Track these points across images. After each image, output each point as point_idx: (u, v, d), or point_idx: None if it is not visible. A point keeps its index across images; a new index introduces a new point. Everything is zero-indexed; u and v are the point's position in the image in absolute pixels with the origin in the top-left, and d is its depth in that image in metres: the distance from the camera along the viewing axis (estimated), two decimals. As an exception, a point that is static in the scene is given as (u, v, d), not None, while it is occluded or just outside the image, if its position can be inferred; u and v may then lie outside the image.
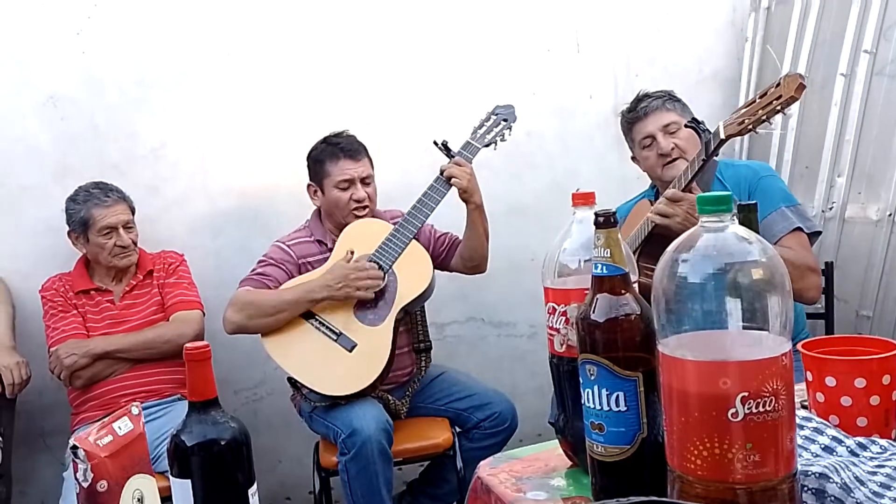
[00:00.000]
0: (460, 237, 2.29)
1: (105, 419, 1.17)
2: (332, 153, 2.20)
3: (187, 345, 0.95)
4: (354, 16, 2.66)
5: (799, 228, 1.85)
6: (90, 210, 2.22)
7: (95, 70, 2.46)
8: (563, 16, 2.85)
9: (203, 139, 2.57)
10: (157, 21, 2.50)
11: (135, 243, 2.30)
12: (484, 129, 2.23)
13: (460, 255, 2.29)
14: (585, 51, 2.88)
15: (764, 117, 1.49)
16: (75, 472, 1.12)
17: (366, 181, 2.22)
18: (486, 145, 2.21)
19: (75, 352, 2.15)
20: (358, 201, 2.19)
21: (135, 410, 1.19)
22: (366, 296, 2.08)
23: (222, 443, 0.95)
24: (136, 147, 2.51)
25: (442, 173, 2.15)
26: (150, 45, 2.50)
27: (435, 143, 2.20)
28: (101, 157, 2.47)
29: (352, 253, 2.13)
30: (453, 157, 2.17)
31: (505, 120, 2.23)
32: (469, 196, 2.15)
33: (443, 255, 2.31)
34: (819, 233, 1.98)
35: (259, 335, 2.13)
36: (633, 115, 2.05)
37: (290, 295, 2.10)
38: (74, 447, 1.10)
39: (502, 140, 2.23)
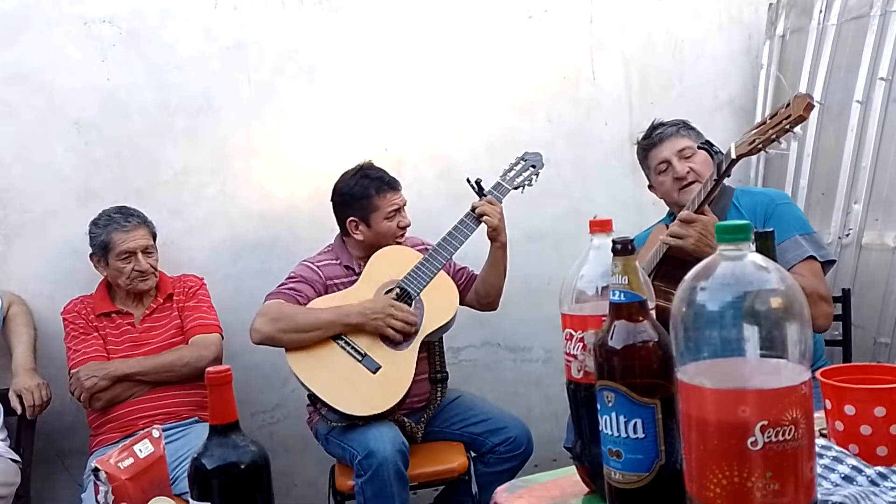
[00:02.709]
0: (476, 273, 2.34)
1: (126, 441, 1.19)
2: (378, 187, 2.24)
3: (209, 369, 0.96)
4: (374, 44, 2.70)
5: (812, 257, 1.85)
6: (110, 234, 2.25)
7: (120, 97, 2.51)
8: (579, 44, 2.88)
9: (224, 165, 2.61)
10: (179, 49, 2.55)
11: (154, 268, 2.32)
12: (514, 172, 2.31)
13: (475, 291, 2.34)
14: (601, 78, 2.90)
15: (774, 136, 1.50)
16: (96, 494, 1.13)
17: (404, 208, 2.29)
18: (516, 188, 2.30)
19: (95, 374, 2.17)
20: (403, 228, 2.27)
21: (156, 433, 1.20)
22: (393, 336, 2.10)
23: (242, 466, 0.96)
24: (158, 172, 2.55)
25: (473, 210, 2.20)
26: (173, 72, 2.55)
27: (468, 181, 2.26)
28: (125, 182, 2.51)
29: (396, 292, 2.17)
30: (485, 195, 2.23)
31: (533, 166, 2.32)
32: (497, 235, 2.21)
33: (459, 289, 2.33)
34: (833, 261, 1.97)
35: (284, 350, 2.13)
36: (647, 142, 2.07)
37: (326, 315, 2.11)
38: (96, 469, 1.11)
39: (529, 185, 2.32)
